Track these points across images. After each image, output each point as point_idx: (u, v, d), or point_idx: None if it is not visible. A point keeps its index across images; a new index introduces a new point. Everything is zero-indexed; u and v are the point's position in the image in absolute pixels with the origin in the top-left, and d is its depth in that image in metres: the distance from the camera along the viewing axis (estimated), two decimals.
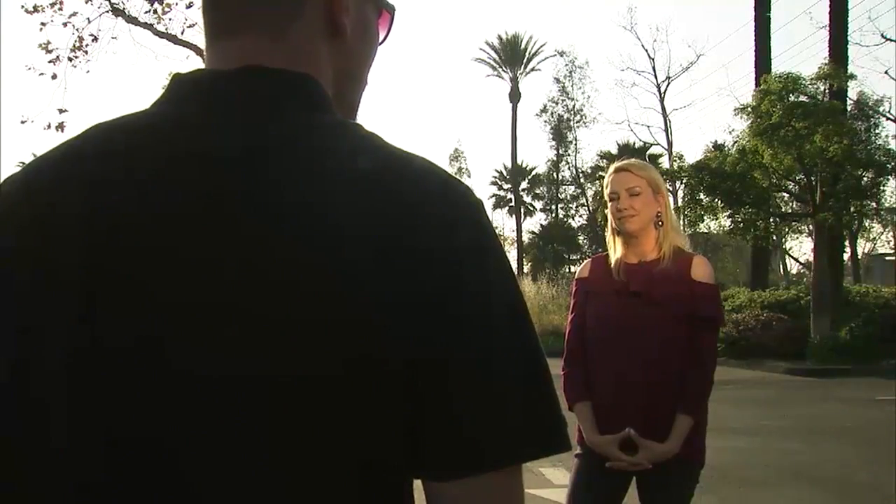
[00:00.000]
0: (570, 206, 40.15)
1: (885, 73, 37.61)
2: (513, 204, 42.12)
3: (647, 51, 51.00)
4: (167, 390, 0.62)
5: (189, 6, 10.52)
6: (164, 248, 0.63)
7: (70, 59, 10.52)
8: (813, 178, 14.17)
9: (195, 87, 0.72)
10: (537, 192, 42.19)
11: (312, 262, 0.62)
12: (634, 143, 35.39)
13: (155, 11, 10.56)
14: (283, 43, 0.73)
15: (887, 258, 33.76)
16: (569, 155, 39.06)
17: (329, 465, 0.62)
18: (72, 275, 0.64)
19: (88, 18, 10.59)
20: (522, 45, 41.87)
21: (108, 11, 10.54)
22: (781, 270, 32.58)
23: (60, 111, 10.24)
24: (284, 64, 0.72)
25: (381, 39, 0.84)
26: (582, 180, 38.55)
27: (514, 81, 42.04)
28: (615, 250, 2.56)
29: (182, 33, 10.78)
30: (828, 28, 17.10)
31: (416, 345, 0.63)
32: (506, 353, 0.66)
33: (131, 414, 0.62)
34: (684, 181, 15.80)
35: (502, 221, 43.47)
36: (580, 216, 39.52)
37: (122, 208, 0.65)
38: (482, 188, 42.66)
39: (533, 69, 41.99)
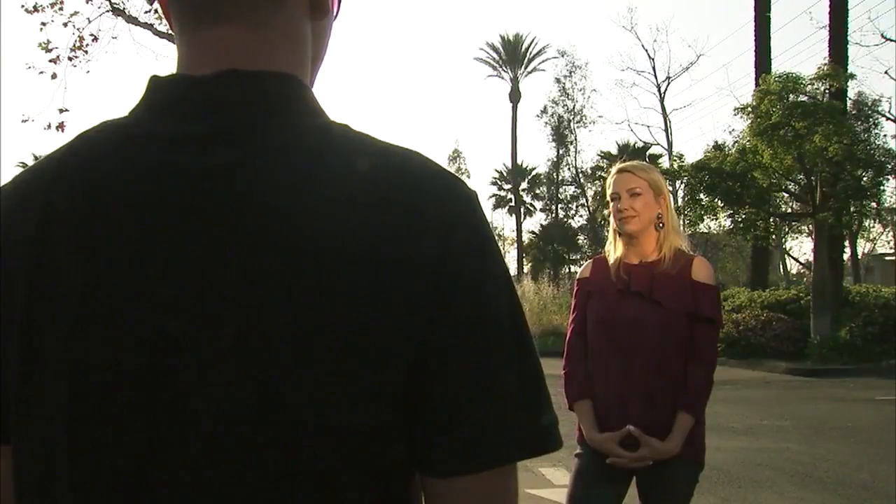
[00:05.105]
0: (570, 206, 40.16)
1: (885, 73, 37.66)
2: (513, 204, 42.13)
3: (647, 51, 51.07)
4: (164, 399, 0.62)
5: None
6: (155, 259, 0.63)
7: (70, 59, 10.51)
8: (813, 178, 14.17)
9: (174, 96, 0.68)
10: (537, 192, 42.21)
11: (310, 269, 0.62)
12: (634, 143, 35.37)
13: (155, 11, 10.54)
14: (265, 33, 0.70)
15: (887, 258, 33.77)
16: (569, 155, 39.07)
17: (333, 463, 0.62)
18: (61, 288, 0.64)
19: (88, 18, 10.58)
20: (523, 46, 41.86)
21: (108, 11, 10.52)
22: (781, 270, 32.54)
23: (61, 111, 10.22)
24: (267, 60, 0.69)
25: (334, 15, 0.82)
26: (582, 180, 38.54)
27: (515, 82, 42.01)
28: (616, 250, 2.57)
29: None
30: (828, 28, 17.09)
31: (415, 346, 0.63)
32: (503, 354, 0.66)
33: (131, 417, 0.62)
34: (684, 181, 15.80)
35: (502, 221, 43.55)
36: (580, 216, 39.56)
37: (108, 220, 0.64)
38: (482, 188, 42.70)
39: (534, 69, 42.01)
